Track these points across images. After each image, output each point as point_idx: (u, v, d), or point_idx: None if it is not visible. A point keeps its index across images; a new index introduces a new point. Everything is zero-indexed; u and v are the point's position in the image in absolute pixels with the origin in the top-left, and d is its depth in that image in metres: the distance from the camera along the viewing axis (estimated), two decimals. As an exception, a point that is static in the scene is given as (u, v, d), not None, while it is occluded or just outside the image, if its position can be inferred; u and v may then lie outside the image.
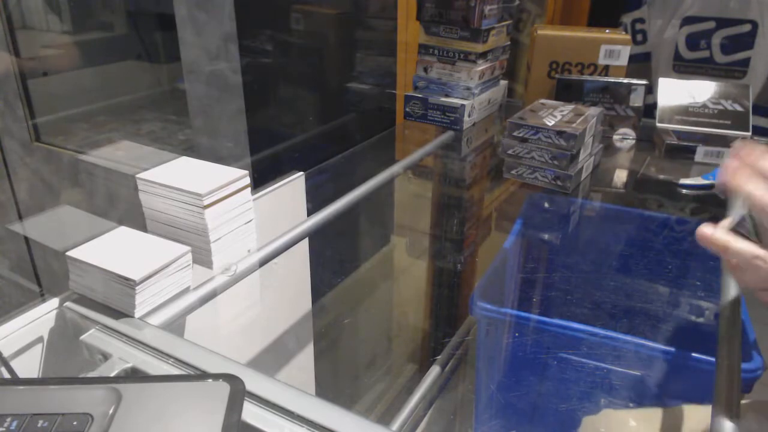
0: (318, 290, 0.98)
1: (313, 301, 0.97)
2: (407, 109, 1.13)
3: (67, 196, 1.24)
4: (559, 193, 0.90)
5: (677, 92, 1.04)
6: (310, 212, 0.75)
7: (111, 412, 0.36)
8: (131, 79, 1.45)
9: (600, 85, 1.05)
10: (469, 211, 1.19)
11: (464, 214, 1.18)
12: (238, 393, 0.38)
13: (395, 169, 0.92)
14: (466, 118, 1.08)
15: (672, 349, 0.69)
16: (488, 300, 0.78)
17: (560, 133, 0.86)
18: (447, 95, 1.10)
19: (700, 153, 0.98)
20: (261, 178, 0.84)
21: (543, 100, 1.01)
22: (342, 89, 1.16)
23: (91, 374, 0.45)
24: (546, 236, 1.03)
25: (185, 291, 0.56)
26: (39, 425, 0.35)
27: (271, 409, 0.41)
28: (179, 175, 0.60)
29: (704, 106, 1.02)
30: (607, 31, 1.11)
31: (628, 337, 0.70)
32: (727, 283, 0.60)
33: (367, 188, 0.83)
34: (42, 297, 0.54)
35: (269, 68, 0.96)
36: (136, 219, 0.62)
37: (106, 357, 0.47)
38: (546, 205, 0.98)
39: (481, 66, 1.08)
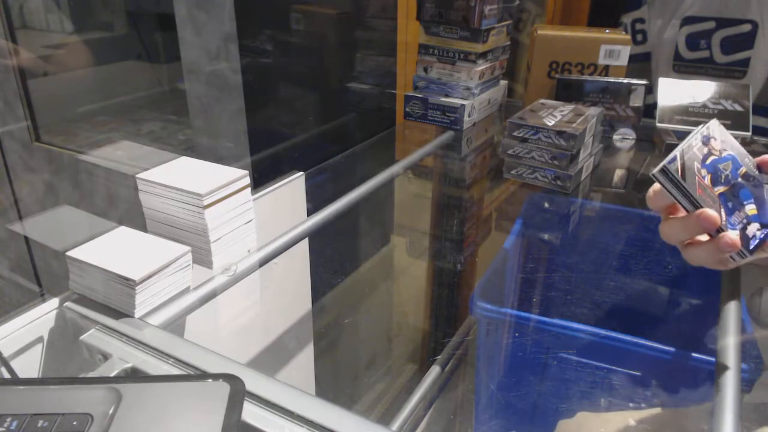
0: (318, 290, 0.98)
1: (313, 301, 0.97)
2: (407, 109, 1.12)
3: (67, 196, 1.24)
4: (559, 193, 0.90)
5: (677, 92, 1.04)
6: (310, 212, 0.75)
7: (111, 412, 0.36)
8: (131, 79, 1.45)
9: (600, 85, 1.05)
10: (469, 211, 1.19)
11: (464, 214, 1.18)
12: (238, 393, 0.38)
13: (395, 169, 0.92)
14: (466, 118, 1.08)
15: (672, 349, 0.69)
16: (488, 300, 0.78)
17: (560, 133, 0.86)
18: (447, 95, 1.10)
19: (700, 153, 0.98)
20: (261, 178, 0.84)
21: (543, 100, 1.01)
22: (342, 89, 1.16)
23: (91, 374, 0.45)
24: (546, 236, 1.03)
25: (185, 291, 0.56)
26: (39, 425, 0.34)
27: (271, 409, 0.41)
28: (179, 175, 0.60)
29: (704, 106, 1.02)
30: (607, 31, 1.11)
31: (628, 337, 0.70)
32: (727, 283, 0.60)
33: (367, 188, 0.83)
34: (42, 297, 0.54)
35: (269, 68, 0.96)
36: (136, 219, 0.62)
37: (106, 357, 0.47)
38: (546, 205, 0.98)
39: (481, 66, 1.08)
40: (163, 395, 0.38)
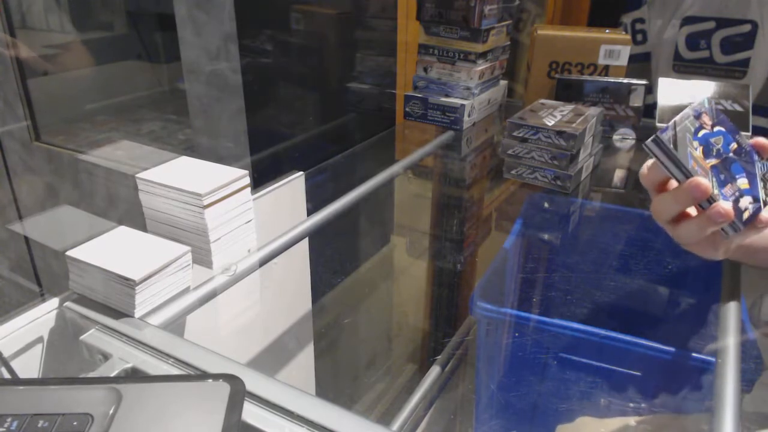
0: (318, 290, 0.98)
1: (313, 301, 0.97)
2: (407, 109, 1.12)
3: (67, 195, 1.24)
4: (559, 193, 0.90)
5: (677, 92, 1.04)
6: (310, 212, 0.75)
7: (111, 412, 0.36)
8: (131, 79, 1.45)
9: (600, 85, 1.05)
10: (469, 211, 1.19)
11: (464, 214, 1.18)
12: (238, 393, 0.38)
13: (395, 169, 0.92)
14: (466, 118, 1.08)
15: (672, 349, 0.69)
16: (488, 300, 0.78)
17: (560, 133, 0.86)
18: (447, 95, 1.10)
19: (700, 153, 0.98)
20: (261, 178, 0.84)
21: (543, 100, 1.01)
22: (342, 89, 1.16)
23: (91, 374, 0.45)
24: (546, 236, 1.03)
25: (185, 291, 0.56)
26: (39, 425, 0.34)
27: (271, 409, 0.41)
28: (179, 175, 0.60)
29: (704, 106, 1.02)
30: (607, 31, 1.11)
31: (628, 337, 0.70)
32: (727, 283, 0.60)
33: (367, 188, 0.83)
34: (42, 297, 0.54)
35: (269, 68, 0.96)
36: (136, 219, 0.62)
37: (106, 357, 0.47)
38: (546, 205, 0.98)
39: (481, 66, 1.08)
40: (163, 395, 0.38)
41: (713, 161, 0.51)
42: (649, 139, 0.49)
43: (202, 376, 0.43)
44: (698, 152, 0.50)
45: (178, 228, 0.59)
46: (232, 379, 0.39)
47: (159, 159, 0.63)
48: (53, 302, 0.54)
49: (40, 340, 0.53)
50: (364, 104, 1.22)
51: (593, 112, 0.94)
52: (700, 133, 0.51)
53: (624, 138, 1.07)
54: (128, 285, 0.50)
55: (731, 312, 0.57)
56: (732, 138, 0.54)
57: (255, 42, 0.92)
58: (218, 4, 0.86)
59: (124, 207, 1.14)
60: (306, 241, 0.88)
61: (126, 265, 0.51)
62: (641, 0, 1.72)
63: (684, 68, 1.66)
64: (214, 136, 0.95)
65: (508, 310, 0.81)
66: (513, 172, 0.92)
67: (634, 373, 0.72)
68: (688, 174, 0.49)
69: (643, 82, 1.04)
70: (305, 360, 0.99)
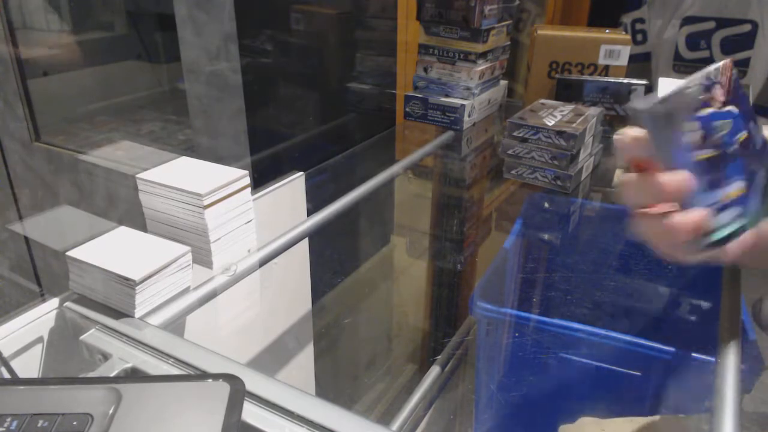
0: (318, 290, 0.98)
1: (313, 301, 0.97)
2: (407, 109, 1.12)
3: (67, 195, 1.24)
4: (559, 193, 0.90)
5: (677, 92, 1.04)
6: (310, 212, 0.75)
7: (111, 412, 0.36)
8: (131, 79, 1.45)
9: (600, 85, 1.05)
10: (469, 211, 1.19)
11: (464, 214, 1.18)
12: (238, 393, 0.38)
13: (395, 169, 0.92)
14: (466, 118, 1.08)
15: (672, 349, 0.69)
16: (488, 300, 0.78)
17: (560, 133, 0.86)
18: (447, 95, 1.10)
19: (700, 153, 0.98)
20: (261, 178, 0.84)
21: (543, 100, 1.01)
22: (342, 89, 1.16)
23: (91, 374, 0.45)
24: (546, 236, 1.03)
25: (185, 291, 0.56)
26: (39, 425, 0.34)
27: (271, 409, 0.41)
28: (179, 175, 0.60)
29: (704, 106, 1.02)
30: (607, 31, 1.11)
31: (628, 337, 0.70)
32: (727, 283, 0.60)
33: (367, 188, 0.83)
34: (42, 297, 0.54)
35: (269, 68, 0.96)
36: (136, 219, 0.62)
37: (106, 357, 0.47)
38: (546, 205, 0.98)
39: (481, 66, 1.08)
40: (163, 395, 0.38)
41: (708, 153, 0.38)
42: (642, 106, 0.37)
43: (202, 376, 0.43)
44: (694, 137, 0.38)
45: (178, 228, 0.59)
46: (232, 379, 0.39)
47: (159, 159, 0.63)
48: (53, 302, 0.54)
49: (40, 340, 0.53)
50: (365, 104, 1.22)
51: (593, 112, 0.94)
52: (706, 111, 0.38)
53: (624, 138, 1.07)
54: (128, 285, 0.50)
55: (731, 312, 0.57)
56: (743, 125, 0.40)
57: (255, 42, 0.92)
58: (218, 4, 0.86)
59: (124, 207, 1.14)
60: (306, 241, 0.88)
61: (126, 265, 0.51)
62: (641, 0, 1.73)
63: (684, 68, 1.66)
64: (214, 136, 0.95)
65: (508, 310, 0.81)
66: (513, 172, 0.92)
67: (634, 373, 0.72)
68: (669, 164, 0.38)
69: (643, 82, 1.04)
70: (305, 360, 0.99)
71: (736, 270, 0.62)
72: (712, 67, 0.38)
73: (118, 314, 0.52)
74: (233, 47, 0.88)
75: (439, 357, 0.94)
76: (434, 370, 0.91)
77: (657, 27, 1.69)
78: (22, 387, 0.38)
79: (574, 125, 0.88)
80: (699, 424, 0.62)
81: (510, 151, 0.91)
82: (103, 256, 0.53)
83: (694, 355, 0.67)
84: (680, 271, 0.91)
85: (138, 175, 0.60)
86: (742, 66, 1.59)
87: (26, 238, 1.31)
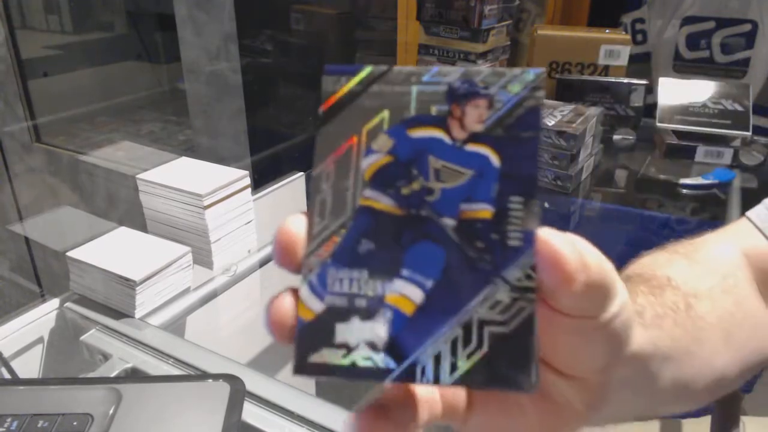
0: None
1: (314, 302, 0.97)
2: (407, 109, 1.12)
3: (68, 196, 1.25)
4: (559, 193, 0.90)
5: (677, 92, 1.04)
6: (311, 212, 0.75)
7: (111, 412, 0.36)
8: (131, 80, 1.46)
9: (600, 85, 1.05)
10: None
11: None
12: (238, 393, 0.38)
13: (395, 169, 0.92)
14: (466, 118, 1.08)
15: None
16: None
17: (560, 133, 0.86)
18: (447, 95, 1.10)
19: (700, 153, 0.98)
20: (261, 179, 0.84)
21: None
22: (342, 89, 1.16)
23: (91, 374, 0.46)
24: (546, 236, 1.02)
25: (185, 291, 0.56)
26: (39, 425, 0.35)
27: (271, 409, 0.41)
28: (179, 176, 0.60)
29: (704, 105, 1.02)
30: (607, 31, 1.11)
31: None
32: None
33: (367, 188, 0.83)
34: (42, 297, 0.54)
35: (269, 68, 0.96)
36: (137, 219, 0.62)
37: (106, 357, 0.47)
38: (546, 205, 0.98)
39: (481, 66, 1.08)
40: (163, 395, 0.38)
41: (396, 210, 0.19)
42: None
43: (202, 376, 0.43)
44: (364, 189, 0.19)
45: (178, 228, 0.59)
46: (232, 379, 0.39)
47: (159, 160, 0.63)
48: (53, 303, 0.54)
49: (40, 340, 0.53)
50: (364, 104, 1.22)
51: (593, 112, 0.94)
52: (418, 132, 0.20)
53: (624, 138, 1.07)
54: (129, 285, 0.50)
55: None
56: (492, 193, 0.19)
57: (255, 42, 0.92)
58: (218, 4, 0.86)
59: (124, 207, 1.14)
60: (306, 241, 0.87)
61: (126, 266, 0.51)
62: (641, 0, 1.73)
63: (684, 68, 1.66)
64: (214, 137, 0.96)
65: (508, 310, 0.81)
66: (513, 172, 0.92)
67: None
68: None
69: (644, 82, 1.04)
70: (305, 360, 0.99)
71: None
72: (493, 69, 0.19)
73: (118, 314, 0.52)
74: (233, 47, 0.88)
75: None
76: (434, 370, 0.91)
77: (657, 27, 1.69)
78: (22, 387, 0.38)
79: (574, 125, 0.88)
80: (698, 423, 0.62)
81: (510, 151, 0.91)
82: (104, 257, 0.53)
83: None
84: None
85: (138, 176, 0.60)
86: (742, 66, 1.59)
87: (26, 239, 1.31)
